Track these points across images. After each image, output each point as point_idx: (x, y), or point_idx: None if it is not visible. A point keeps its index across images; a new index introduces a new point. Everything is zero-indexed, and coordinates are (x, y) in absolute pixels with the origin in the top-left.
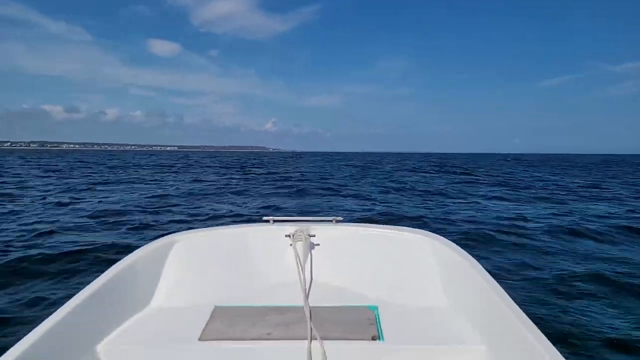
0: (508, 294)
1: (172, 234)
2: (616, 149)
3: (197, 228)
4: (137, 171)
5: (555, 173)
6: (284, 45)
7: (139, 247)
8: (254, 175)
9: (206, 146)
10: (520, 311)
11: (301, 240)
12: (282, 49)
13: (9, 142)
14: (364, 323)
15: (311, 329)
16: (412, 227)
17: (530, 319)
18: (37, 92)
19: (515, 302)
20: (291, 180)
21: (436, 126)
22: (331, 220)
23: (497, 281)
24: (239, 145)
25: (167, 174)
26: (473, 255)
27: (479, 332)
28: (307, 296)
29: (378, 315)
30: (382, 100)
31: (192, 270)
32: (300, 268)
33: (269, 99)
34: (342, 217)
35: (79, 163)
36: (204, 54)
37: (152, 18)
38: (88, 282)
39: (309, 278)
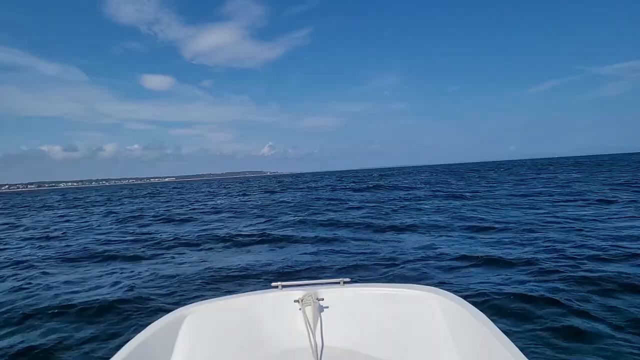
0: (522, 351)
1: (182, 307)
2: (606, 149)
3: (206, 299)
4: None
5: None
6: (276, 71)
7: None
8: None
9: (204, 175)
10: None
11: (310, 305)
12: (275, 74)
13: (7, 184)
14: None
15: None
16: (420, 284)
17: None
18: (35, 133)
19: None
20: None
21: (431, 139)
22: (339, 282)
23: (511, 339)
24: (236, 171)
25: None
26: (484, 312)
27: None
28: None
29: None
30: (377, 116)
31: (203, 343)
32: (310, 333)
33: (265, 123)
34: (349, 278)
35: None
36: (197, 85)
37: (145, 54)
38: None
39: (320, 343)
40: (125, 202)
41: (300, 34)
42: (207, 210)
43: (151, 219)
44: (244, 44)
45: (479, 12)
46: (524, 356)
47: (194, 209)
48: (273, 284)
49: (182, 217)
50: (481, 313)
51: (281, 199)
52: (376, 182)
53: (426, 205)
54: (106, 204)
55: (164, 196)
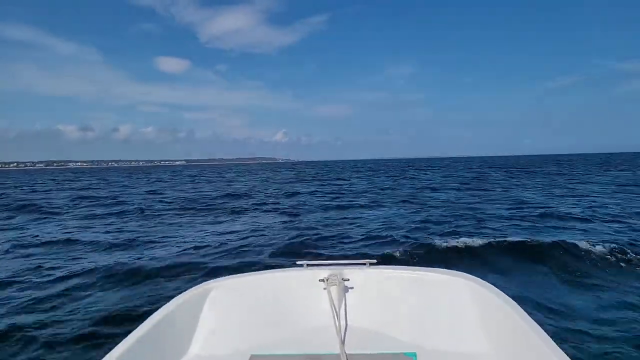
0: (551, 337)
1: (208, 281)
2: (619, 147)
3: (232, 274)
4: None
5: None
6: (291, 57)
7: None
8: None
9: (216, 159)
10: (565, 356)
11: (335, 285)
12: (290, 60)
13: (15, 162)
14: None
15: None
16: (448, 269)
17: None
18: (50, 112)
19: (559, 346)
20: None
21: (445, 130)
22: (365, 264)
23: (540, 324)
24: (249, 157)
25: None
26: (512, 297)
27: None
28: (342, 342)
29: None
30: (391, 106)
31: (228, 317)
32: (335, 313)
33: (279, 110)
34: (376, 259)
35: None
36: (212, 69)
37: (160, 36)
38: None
39: (344, 323)
40: None
41: (316, 20)
42: None
43: None
44: (259, 29)
45: (495, 6)
46: (554, 343)
47: None
48: (298, 262)
49: None
50: (510, 299)
51: None
52: None
53: None
54: None
55: None
